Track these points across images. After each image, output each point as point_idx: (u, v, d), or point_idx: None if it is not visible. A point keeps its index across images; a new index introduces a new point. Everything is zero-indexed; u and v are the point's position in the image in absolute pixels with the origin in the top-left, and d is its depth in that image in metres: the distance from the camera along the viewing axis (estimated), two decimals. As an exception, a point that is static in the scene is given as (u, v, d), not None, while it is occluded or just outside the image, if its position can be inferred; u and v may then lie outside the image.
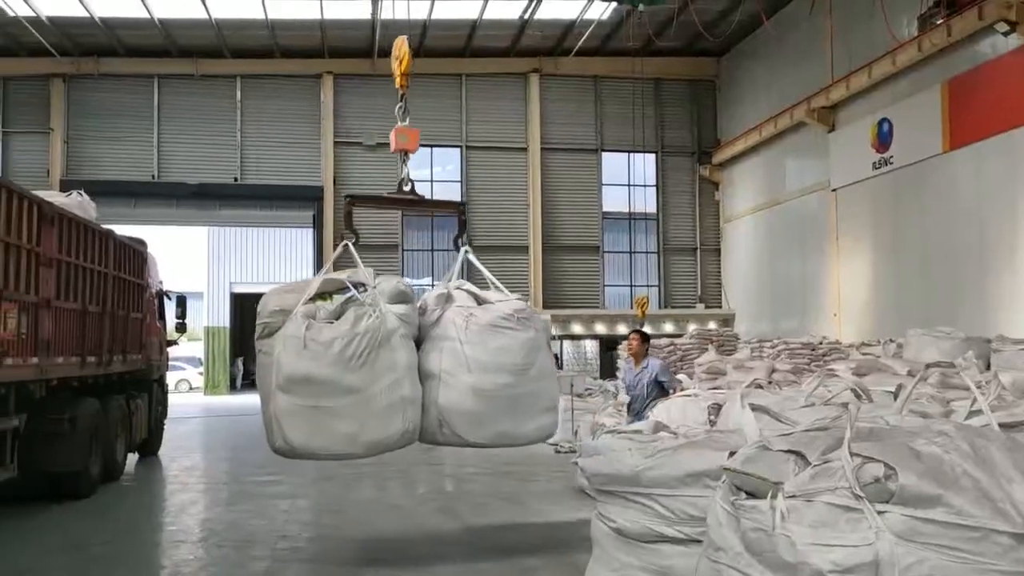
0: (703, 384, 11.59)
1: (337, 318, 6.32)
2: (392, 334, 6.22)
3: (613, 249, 27.93)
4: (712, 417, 5.93)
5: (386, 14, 22.91)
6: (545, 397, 6.72)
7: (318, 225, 26.12)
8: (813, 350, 15.74)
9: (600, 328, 26.53)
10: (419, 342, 6.59)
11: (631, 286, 27.60)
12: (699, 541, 3.51)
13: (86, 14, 21.49)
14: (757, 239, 25.43)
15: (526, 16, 23.95)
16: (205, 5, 21.47)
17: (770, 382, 7.96)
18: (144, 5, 21.15)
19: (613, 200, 27.77)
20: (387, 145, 28.09)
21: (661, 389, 7.80)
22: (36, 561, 6.91)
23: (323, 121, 26.05)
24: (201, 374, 32.60)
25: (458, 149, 27.24)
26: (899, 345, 12.98)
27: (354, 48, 25.46)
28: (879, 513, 2.74)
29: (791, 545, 2.84)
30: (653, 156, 27.95)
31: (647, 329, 25.75)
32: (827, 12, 20.10)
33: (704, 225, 27.99)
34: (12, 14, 21.06)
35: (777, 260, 24.12)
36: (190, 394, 30.76)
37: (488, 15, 23.66)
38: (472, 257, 7.60)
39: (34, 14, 21.09)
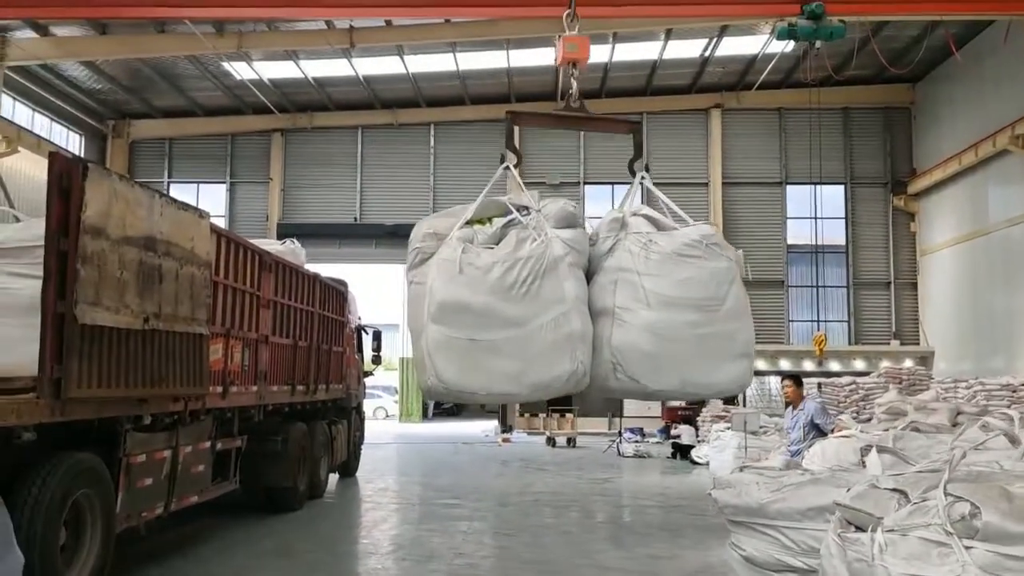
0: (881, 425, 11.31)
1: (497, 243, 5.71)
2: (559, 261, 5.53)
3: (799, 283, 27.25)
4: (863, 458, 6.03)
5: (568, 59, 23.87)
6: (739, 340, 5.76)
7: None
8: (1014, 391, 14.75)
9: (785, 364, 25.86)
10: (589, 275, 5.85)
11: (817, 321, 26.80)
12: (819, 571, 3.79)
13: (301, 75, 23.90)
14: (958, 272, 23.99)
15: (706, 54, 24.14)
16: (403, 61, 23.30)
17: (955, 424, 7.80)
18: (351, 65, 23.25)
19: (798, 233, 27.16)
20: (570, 183, 29.18)
21: (819, 431, 7.86)
22: (251, 562, 8.01)
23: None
24: (396, 402, 34.54)
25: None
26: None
27: (538, 92, 26.58)
28: (966, 548, 2.97)
29: (887, 575, 3.13)
30: (841, 187, 27.13)
31: (835, 366, 25.04)
32: (1029, 34, 18.94)
33: (899, 258, 26.74)
34: (239, 77, 23.80)
35: (981, 294, 22.65)
36: (386, 421, 32.72)
37: (668, 55, 24.06)
38: (650, 184, 6.59)
39: (257, 77, 23.71)
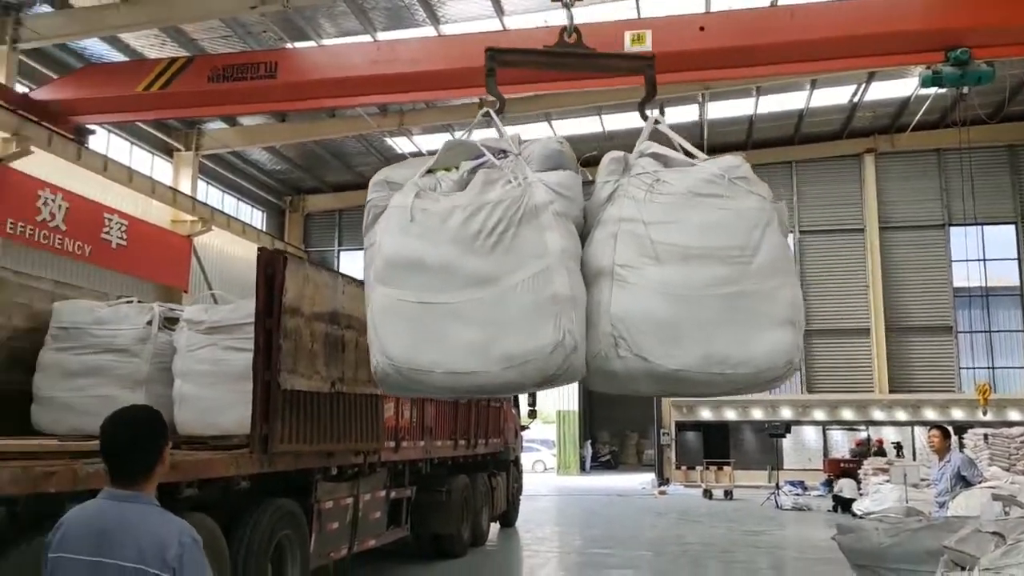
0: (1050, 478, 10.92)
1: (464, 188, 4.59)
2: (541, 209, 4.31)
3: (968, 328, 26.02)
4: (1007, 508, 6.14)
5: (712, 114, 24.33)
6: (780, 301, 4.26)
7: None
8: None
9: (957, 414, 24.66)
10: (587, 232, 4.59)
11: (991, 368, 25.42)
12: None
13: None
14: None
15: (856, 99, 23.93)
16: (551, 126, 24.46)
17: None
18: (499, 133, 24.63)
19: (964, 276, 26.03)
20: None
21: (965, 482, 7.84)
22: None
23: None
24: (554, 455, 35.15)
25: (790, 236, 27.42)
26: None
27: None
28: (1054, 588, 3.30)
29: (982, 612, 3.48)
30: (1012, 227, 25.87)
31: (1014, 415, 23.62)
32: None
33: (1080, 299, 25.13)
34: (400, 151, 25.69)
35: None
36: (544, 474, 33.37)
37: (815, 103, 24.01)
38: (667, 129, 5.02)
39: (417, 149, 25.45)
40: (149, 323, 7.42)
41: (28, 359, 7.30)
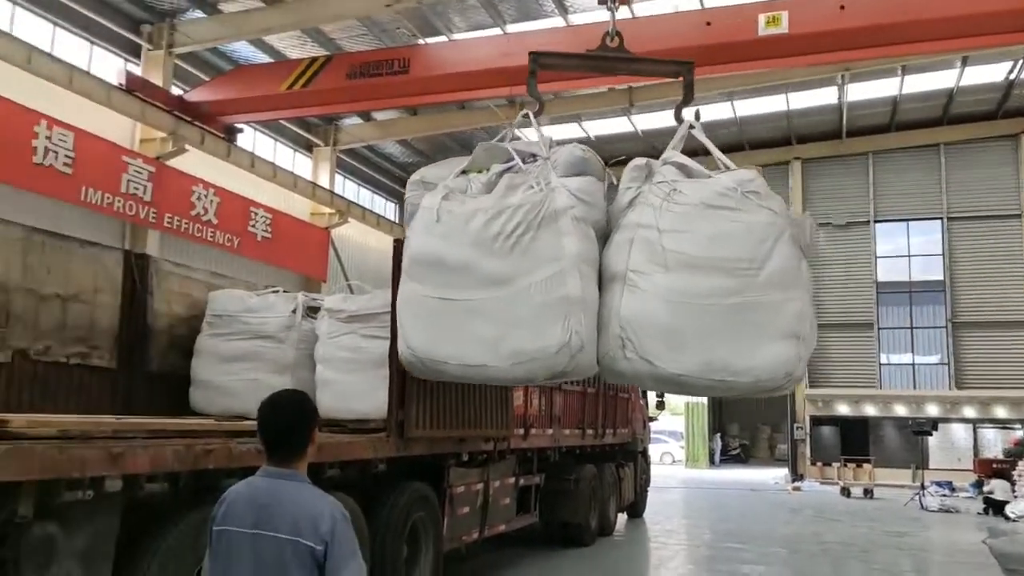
0: None
1: (491, 191, 4.91)
2: (560, 214, 4.60)
3: None
4: None
5: (852, 96, 23.30)
6: (785, 314, 4.41)
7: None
8: None
9: None
10: (608, 236, 4.88)
11: None
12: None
13: (584, 134, 25.47)
14: None
15: (1012, 76, 22.38)
16: (583, 128, 24.10)
17: None
18: (630, 121, 24.41)
19: None
20: (859, 223, 28.18)
21: None
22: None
23: (792, 205, 26.91)
24: (682, 447, 34.69)
25: (938, 221, 25.98)
26: None
27: (820, 132, 26.11)
28: None
29: None
30: None
31: None
32: None
33: None
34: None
35: None
36: (672, 466, 32.98)
37: (966, 81, 22.61)
38: (700, 135, 5.18)
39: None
40: (294, 311, 7.82)
41: (187, 344, 7.84)
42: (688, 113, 5.42)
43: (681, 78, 5.87)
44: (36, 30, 13.77)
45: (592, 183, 4.88)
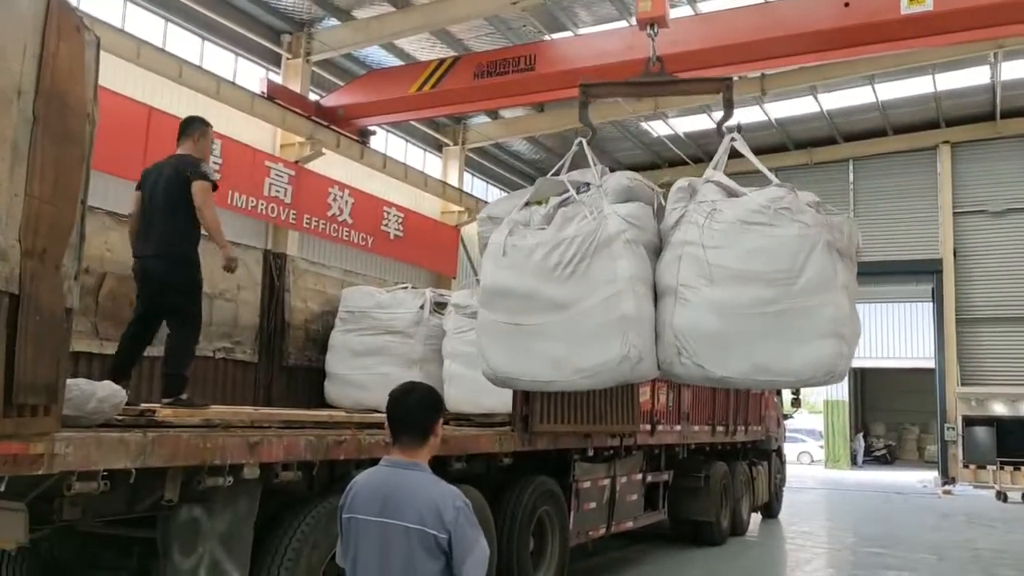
0: None
1: (550, 223, 5.43)
2: (613, 240, 5.08)
3: None
4: None
5: (1006, 75, 21.77)
6: (822, 317, 4.84)
7: (937, 298, 25.43)
8: None
9: None
10: (660, 252, 5.35)
11: None
12: None
13: (713, 125, 24.89)
14: None
15: None
16: (817, 100, 23.16)
17: None
18: (763, 110, 23.68)
19: None
20: (1017, 210, 26.46)
21: None
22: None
23: (940, 192, 25.43)
24: (821, 447, 33.40)
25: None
26: None
27: (972, 114, 24.52)
28: None
29: None
30: None
31: None
32: None
33: None
34: (655, 135, 25.52)
35: None
36: (811, 467, 31.79)
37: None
38: (742, 146, 5.64)
39: (672, 132, 25.21)
40: (422, 307, 8.04)
41: (322, 339, 8.19)
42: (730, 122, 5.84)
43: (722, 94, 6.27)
44: (187, 45, 14.67)
45: (640, 208, 5.37)
